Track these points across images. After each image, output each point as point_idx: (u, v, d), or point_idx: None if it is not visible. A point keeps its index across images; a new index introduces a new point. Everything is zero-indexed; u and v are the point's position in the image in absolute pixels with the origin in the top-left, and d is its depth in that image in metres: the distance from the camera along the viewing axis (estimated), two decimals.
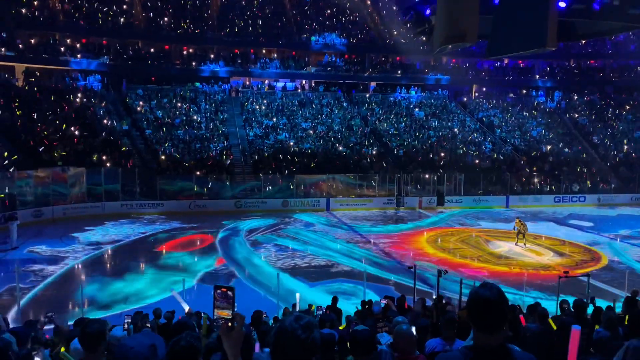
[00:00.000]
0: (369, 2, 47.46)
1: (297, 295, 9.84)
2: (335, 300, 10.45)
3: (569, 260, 19.47)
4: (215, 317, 2.58)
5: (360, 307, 10.05)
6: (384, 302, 10.10)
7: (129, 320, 8.85)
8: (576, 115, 44.72)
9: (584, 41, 41.78)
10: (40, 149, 28.23)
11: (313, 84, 44.48)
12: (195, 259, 19.31)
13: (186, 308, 11.74)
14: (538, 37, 6.57)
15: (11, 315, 12.29)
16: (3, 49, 34.58)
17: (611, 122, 43.48)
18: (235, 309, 2.54)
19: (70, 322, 8.43)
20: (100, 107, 34.42)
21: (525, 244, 21.41)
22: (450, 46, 7.34)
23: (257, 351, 3.66)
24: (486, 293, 2.36)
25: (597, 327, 5.76)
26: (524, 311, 8.74)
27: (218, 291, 2.59)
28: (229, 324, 2.41)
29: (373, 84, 45.50)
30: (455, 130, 40.18)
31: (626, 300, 8.27)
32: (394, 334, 4.39)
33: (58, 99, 33.50)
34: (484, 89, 47.80)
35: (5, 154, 26.56)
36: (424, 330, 5.60)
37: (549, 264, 18.93)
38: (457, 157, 36.21)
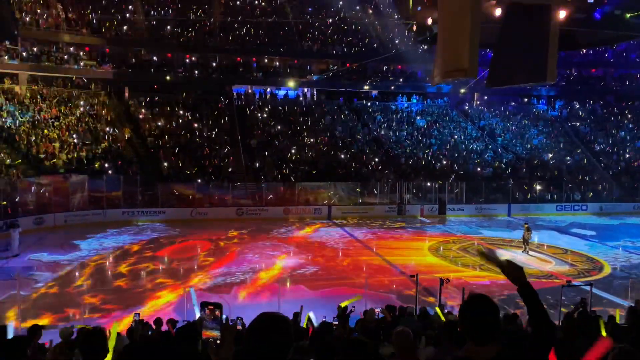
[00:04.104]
0: (370, 11, 47.62)
1: (301, 307, 9.80)
2: (344, 309, 10.33)
3: (571, 269, 19.39)
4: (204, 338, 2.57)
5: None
6: (378, 310, 10.06)
7: (137, 319, 8.88)
8: (577, 123, 44.72)
9: (585, 50, 41.87)
10: (42, 156, 28.29)
11: (315, 92, 44.56)
12: (195, 267, 19.28)
13: (197, 313, 11.70)
14: (538, 71, 6.58)
15: (12, 322, 12.27)
16: (6, 57, 34.75)
17: (612, 131, 43.46)
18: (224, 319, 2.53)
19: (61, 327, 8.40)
20: (102, 115, 34.51)
21: (528, 252, 21.42)
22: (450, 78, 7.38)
23: None
24: (477, 304, 2.34)
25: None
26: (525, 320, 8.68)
27: (206, 310, 2.55)
28: (217, 342, 2.40)
29: (375, 92, 45.55)
30: (457, 138, 40.18)
31: (630, 311, 8.22)
32: (393, 336, 4.37)
33: (61, 106, 33.62)
34: (485, 97, 47.80)
35: (8, 161, 26.61)
36: (417, 336, 5.58)
37: (551, 272, 18.85)
38: (458, 165, 36.19)
